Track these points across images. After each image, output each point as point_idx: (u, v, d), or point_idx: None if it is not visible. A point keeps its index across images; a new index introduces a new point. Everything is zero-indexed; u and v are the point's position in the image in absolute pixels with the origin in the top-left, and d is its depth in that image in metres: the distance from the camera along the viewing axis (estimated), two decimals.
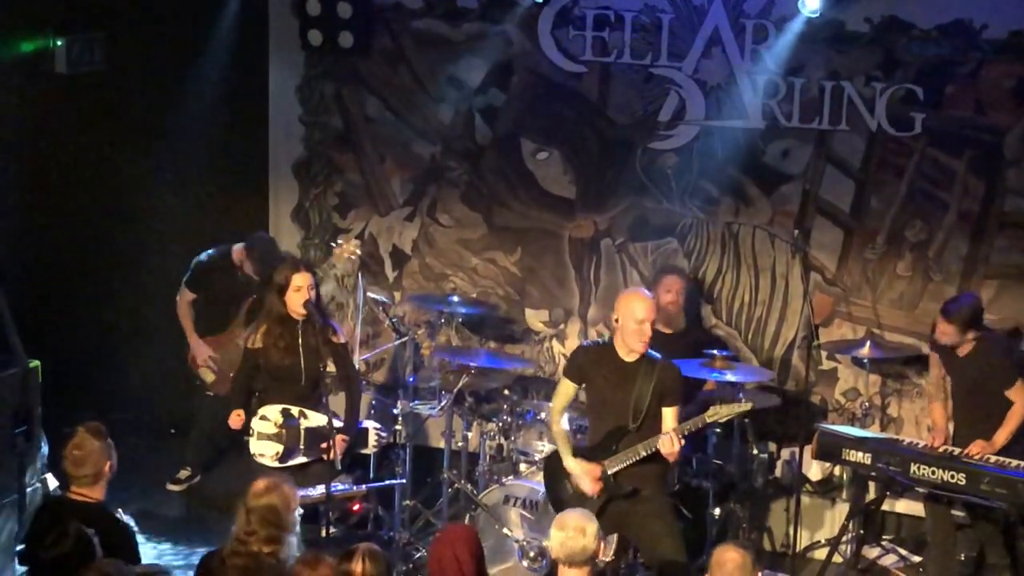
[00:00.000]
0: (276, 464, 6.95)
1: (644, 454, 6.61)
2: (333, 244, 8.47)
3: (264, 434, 7.03)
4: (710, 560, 5.50)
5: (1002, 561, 7.76)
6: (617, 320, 6.71)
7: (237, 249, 8.56)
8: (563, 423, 6.93)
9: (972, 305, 7.49)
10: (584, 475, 6.68)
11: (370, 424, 7.77)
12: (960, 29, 7.95)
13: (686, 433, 6.70)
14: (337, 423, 7.00)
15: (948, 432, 7.62)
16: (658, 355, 6.81)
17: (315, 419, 7.00)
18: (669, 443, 6.53)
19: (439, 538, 5.76)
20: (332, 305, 9.00)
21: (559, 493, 6.91)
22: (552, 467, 6.97)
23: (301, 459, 7.05)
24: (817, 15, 8.02)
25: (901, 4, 8.05)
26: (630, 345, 6.68)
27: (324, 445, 6.90)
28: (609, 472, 6.68)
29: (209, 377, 8.65)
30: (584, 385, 6.90)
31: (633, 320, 6.63)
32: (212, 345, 8.62)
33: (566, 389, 6.91)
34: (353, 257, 8.22)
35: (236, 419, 7.16)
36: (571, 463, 6.77)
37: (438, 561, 5.53)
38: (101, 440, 5.84)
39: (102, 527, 5.57)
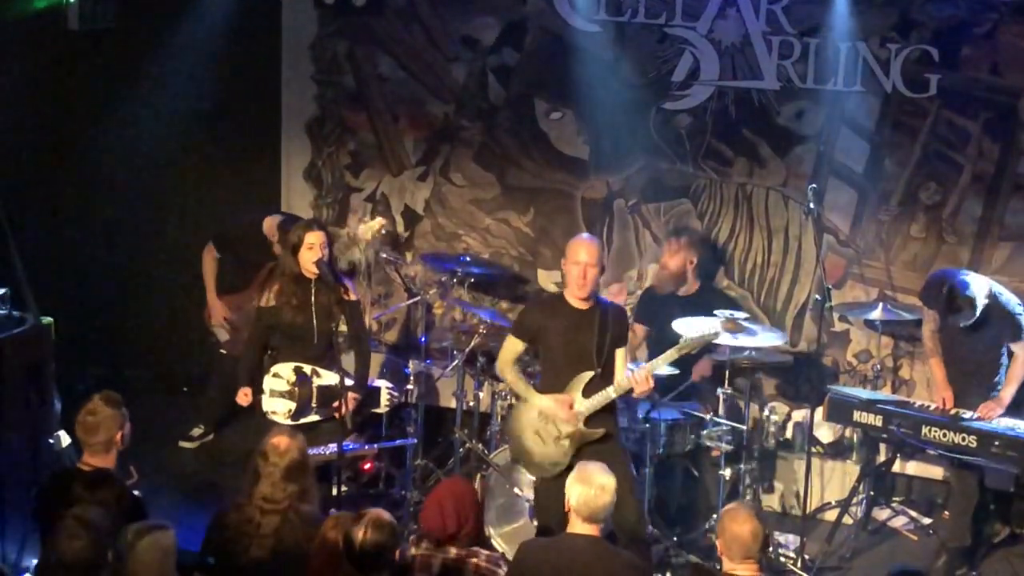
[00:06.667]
0: (288, 422, 6.97)
1: (615, 396, 6.61)
2: (361, 223, 8.67)
3: (276, 391, 7.05)
4: (722, 526, 5.27)
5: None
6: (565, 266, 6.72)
7: (269, 221, 8.44)
8: (515, 372, 6.87)
9: (942, 286, 7.25)
10: (559, 405, 6.65)
11: (382, 384, 7.78)
12: None
13: (660, 366, 6.73)
14: (348, 381, 7.02)
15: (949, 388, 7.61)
16: (607, 299, 6.83)
17: (327, 377, 7.02)
18: (643, 380, 6.52)
19: (431, 493, 5.79)
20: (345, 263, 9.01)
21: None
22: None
23: (313, 417, 7.07)
24: None
25: None
26: (572, 290, 6.67)
27: (336, 404, 6.92)
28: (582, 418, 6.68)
29: (223, 335, 8.66)
30: (535, 342, 6.83)
31: (574, 263, 6.62)
32: (229, 304, 8.62)
33: (513, 346, 6.85)
34: (379, 235, 8.45)
35: (243, 398, 7.14)
36: (540, 400, 6.74)
37: (431, 514, 5.56)
38: (115, 408, 5.83)
39: (112, 499, 5.58)
